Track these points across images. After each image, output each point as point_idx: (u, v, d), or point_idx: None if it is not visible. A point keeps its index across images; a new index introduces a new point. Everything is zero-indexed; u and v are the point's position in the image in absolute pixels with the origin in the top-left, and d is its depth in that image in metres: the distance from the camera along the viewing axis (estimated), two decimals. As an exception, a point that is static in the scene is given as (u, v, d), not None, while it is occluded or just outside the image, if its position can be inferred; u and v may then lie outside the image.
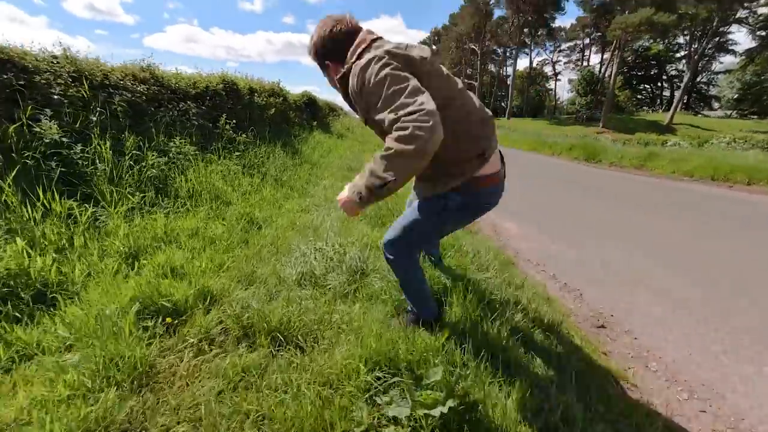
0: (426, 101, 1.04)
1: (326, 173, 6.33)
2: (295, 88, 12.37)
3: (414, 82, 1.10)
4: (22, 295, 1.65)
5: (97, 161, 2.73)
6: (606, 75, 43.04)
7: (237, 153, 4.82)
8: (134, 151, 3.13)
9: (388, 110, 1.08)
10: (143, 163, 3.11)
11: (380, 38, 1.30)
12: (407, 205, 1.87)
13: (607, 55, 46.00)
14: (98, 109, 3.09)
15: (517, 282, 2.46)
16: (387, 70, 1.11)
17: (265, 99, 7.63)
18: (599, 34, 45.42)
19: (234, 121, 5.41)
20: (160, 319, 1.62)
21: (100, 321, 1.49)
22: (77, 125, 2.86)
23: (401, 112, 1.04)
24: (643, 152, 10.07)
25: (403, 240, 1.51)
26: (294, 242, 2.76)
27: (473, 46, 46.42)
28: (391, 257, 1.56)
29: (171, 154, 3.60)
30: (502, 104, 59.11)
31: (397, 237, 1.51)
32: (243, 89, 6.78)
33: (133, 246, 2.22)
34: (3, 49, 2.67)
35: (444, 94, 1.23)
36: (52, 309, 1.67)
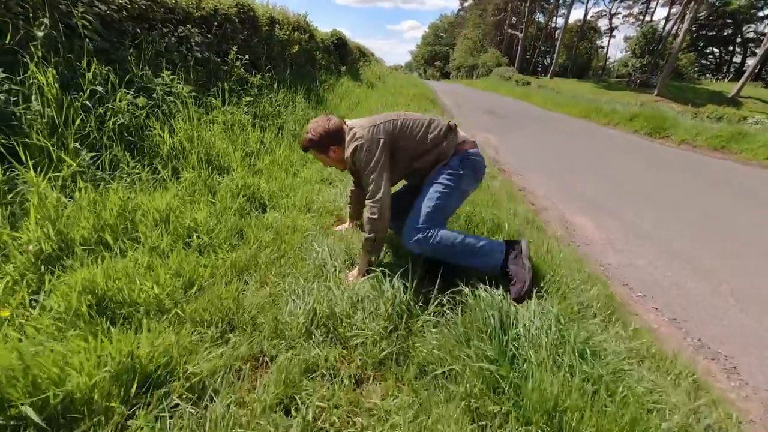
0: (381, 190, 1.59)
1: (354, 130, 5.32)
2: (322, 28, 10.88)
3: (379, 166, 1.61)
4: None
5: (33, 99, 1.87)
6: (671, 33, 37.92)
7: (248, 98, 3.86)
8: (97, 87, 2.24)
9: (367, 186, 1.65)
10: (110, 105, 2.24)
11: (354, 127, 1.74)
12: None
13: (675, 9, 40.25)
14: (45, 20, 2.16)
15: (643, 350, 1.56)
16: (364, 156, 1.62)
17: (288, 33, 6.44)
18: (671, -18, 39.50)
19: (247, 57, 4.37)
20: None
21: None
22: (7, 40, 1.96)
23: (368, 195, 1.63)
24: (727, 130, 8.44)
25: (437, 211, 1.66)
26: (308, 240, 1.92)
27: (523, -10, 41.23)
28: (431, 238, 1.61)
29: (155, 94, 2.70)
30: (545, 61, 53.95)
31: (430, 211, 1.65)
32: (262, 18, 5.62)
33: (56, 242, 1.42)
34: None
35: (409, 145, 1.72)
36: None
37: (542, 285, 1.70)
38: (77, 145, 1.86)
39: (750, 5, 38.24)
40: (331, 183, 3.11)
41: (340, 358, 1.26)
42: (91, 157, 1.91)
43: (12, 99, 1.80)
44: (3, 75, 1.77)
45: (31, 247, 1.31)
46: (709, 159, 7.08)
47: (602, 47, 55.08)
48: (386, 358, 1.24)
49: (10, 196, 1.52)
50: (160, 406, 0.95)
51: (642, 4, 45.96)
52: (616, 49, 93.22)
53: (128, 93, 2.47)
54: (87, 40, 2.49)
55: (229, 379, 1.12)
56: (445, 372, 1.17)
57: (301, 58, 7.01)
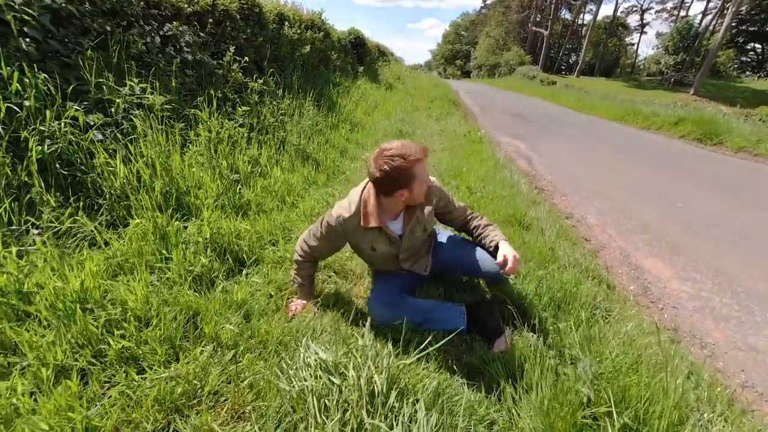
0: None
1: (369, 140, 4.69)
2: (341, 27, 10.30)
3: None
4: None
5: None
6: (708, 29, 35.57)
7: (245, 108, 3.28)
8: (24, 102, 1.67)
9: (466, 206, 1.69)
10: (38, 126, 1.67)
11: None
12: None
13: (713, 3, 37.80)
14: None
15: None
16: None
17: (299, 32, 5.86)
18: (710, -25, 37.14)
19: (246, 59, 3.79)
20: None
21: None
22: None
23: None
24: (796, 138, 7.37)
25: None
26: (292, 331, 1.29)
27: (548, -14, 39.59)
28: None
29: (116, 109, 2.13)
30: (570, 59, 51.81)
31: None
32: (269, 15, 5.06)
33: None
34: None
35: None
36: None
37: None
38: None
39: (798, -3, 35.45)
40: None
41: None
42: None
43: None
44: None
45: None
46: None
47: (632, 44, 52.58)
48: None
49: None
50: None
51: (677, -2, 43.53)
52: (647, 46, 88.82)
53: (76, 108, 1.91)
54: (27, 40, 1.94)
55: None
56: None
57: (314, 59, 6.42)
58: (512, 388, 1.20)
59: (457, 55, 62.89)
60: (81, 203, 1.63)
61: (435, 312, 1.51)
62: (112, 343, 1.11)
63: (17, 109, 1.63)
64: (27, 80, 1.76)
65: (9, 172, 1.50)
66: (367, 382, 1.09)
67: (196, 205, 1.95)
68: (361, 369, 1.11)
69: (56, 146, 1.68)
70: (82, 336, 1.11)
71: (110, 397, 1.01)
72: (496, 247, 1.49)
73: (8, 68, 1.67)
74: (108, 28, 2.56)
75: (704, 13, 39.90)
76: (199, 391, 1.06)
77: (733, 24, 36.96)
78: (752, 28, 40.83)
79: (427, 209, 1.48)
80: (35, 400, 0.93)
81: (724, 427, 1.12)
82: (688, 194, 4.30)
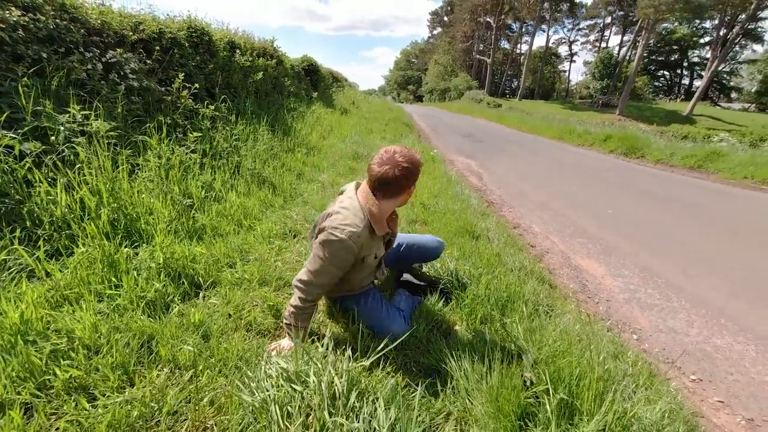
0: None
1: (325, 163, 4.78)
2: (295, 55, 10.47)
3: None
4: None
5: None
6: (625, 58, 40.47)
7: (197, 133, 3.25)
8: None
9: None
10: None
11: None
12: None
13: (627, 37, 43.23)
14: None
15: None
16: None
17: (251, 59, 5.93)
18: (621, 13, 42.56)
19: (196, 86, 3.79)
20: None
21: None
22: None
23: None
24: (701, 150, 8.51)
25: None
26: (253, 347, 1.31)
27: (489, 19, 43.21)
28: None
29: (56, 137, 2.06)
30: (512, 84, 56.23)
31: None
32: (219, 43, 5.09)
33: None
34: None
35: None
36: None
37: (577, 414, 1.15)
38: None
39: (692, 33, 41.67)
40: (295, 236, 2.52)
41: None
42: None
43: None
44: None
45: None
46: (687, 178, 6.97)
47: (564, 71, 58.24)
48: None
49: None
50: None
51: (597, 32, 49.23)
52: (577, 72, 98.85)
53: (11, 136, 1.82)
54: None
55: None
56: None
57: (267, 85, 6.49)
58: (465, 381, 1.30)
59: (409, 80, 65.87)
60: (17, 234, 1.55)
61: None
62: (58, 373, 1.06)
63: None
64: (-45, 108, 1.67)
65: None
66: (328, 385, 1.13)
67: (147, 231, 1.91)
68: (322, 374, 1.15)
69: (-11, 176, 1.60)
70: (23, 368, 1.05)
71: (58, 429, 0.96)
72: None
73: (-66, 96, 1.58)
74: (44, 55, 2.48)
75: (620, 45, 45.41)
76: (156, 412, 1.04)
77: (645, 54, 42.36)
78: (660, 58, 47.09)
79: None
80: (-29, 438, 0.87)
81: (643, 394, 1.29)
82: (617, 202, 4.81)
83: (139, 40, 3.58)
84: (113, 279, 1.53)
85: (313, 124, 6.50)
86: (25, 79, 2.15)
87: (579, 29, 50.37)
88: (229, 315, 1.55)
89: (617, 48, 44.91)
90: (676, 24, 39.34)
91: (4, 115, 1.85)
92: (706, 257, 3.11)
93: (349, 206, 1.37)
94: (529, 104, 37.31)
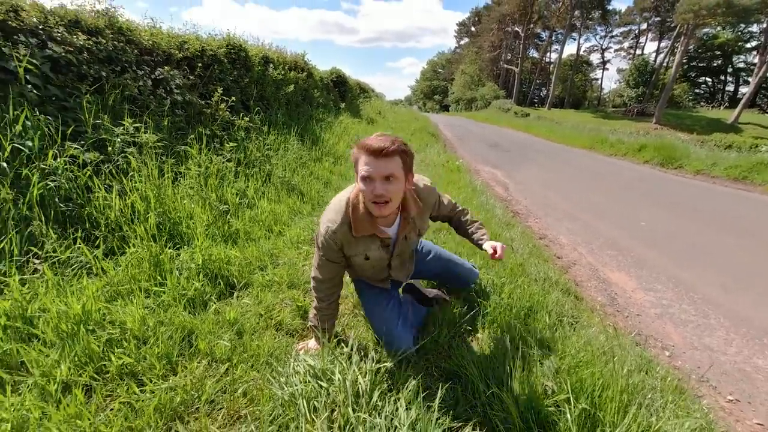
0: None
1: (352, 171, 4.90)
2: (324, 67, 10.88)
3: None
4: None
5: None
6: (662, 65, 38.84)
7: (232, 144, 3.47)
8: (27, 143, 1.80)
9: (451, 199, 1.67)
10: (40, 165, 1.79)
11: None
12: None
13: (664, 43, 41.60)
14: (-33, 66, 1.76)
15: None
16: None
17: (283, 72, 6.22)
18: (658, 18, 41.04)
19: (233, 99, 4.03)
20: None
21: None
22: None
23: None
24: (746, 160, 8.02)
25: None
26: (283, 346, 1.39)
27: (517, 29, 42.88)
28: None
29: (112, 147, 2.27)
30: (541, 93, 55.18)
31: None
32: (254, 58, 5.39)
33: None
34: None
35: None
36: None
37: (599, 425, 1.14)
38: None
39: (737, 38, 39.45)
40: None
41: None
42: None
43: None
44: None
45: None
46: (737, 192, 6.56)
47: (596, 79, 56.56)
48: None
49: None
50: None
51: (632, 39, 47.62)
52: (609, 80, 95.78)
53: (75, 147, 2.04)
54: (29, 86, 2.10)
55: None
56: None
57: (298, 97, 6.77)
58: (485, 386, 1.32)
59: (435, 90, 66.09)
60: (79, 235, 1.73)
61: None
62: (113, 359, 1.19)
63: (22, 149, 1.76)
64: (29, 123, 1.89)
65: (11, 207, 1.60)
66: (353, 384, 1.19)
67: (188, 234, 2.06)
68: (347, 373, 1.22)
69: (56, 183, 1.79)
70: (84, 354, 1.19)
71: (113, 408, 1.08)
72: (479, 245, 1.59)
73: (15, 112, 1.81)
74: (104, 74, 2.75)
75: (657, 52, 43.69)
76: (196, 400, 1.14)
77: (684, 60, 40.49)
78: (701, 64, 44.82)
79: (426, 213, 1.43)
80: (43, 412, 1.00)
81: (671, 410, 1.26)
82: (651, 214, 4.63)
83: (183, 58, 3.87)
84: (158, 277, 1.67)
85: (341, 134, 6.69)
86: (88, 96, 2.39)
87: (612, 36, 48.95)
88: (261, 314, 1.65)
89: (653, 55, 43.26)
90: (718, 29, 37.44)
91: (70, 128, 2.07)
92: (747, 272, 2.95)
93: (335, 200, 1.31)
94: (558, 113, 36.45)
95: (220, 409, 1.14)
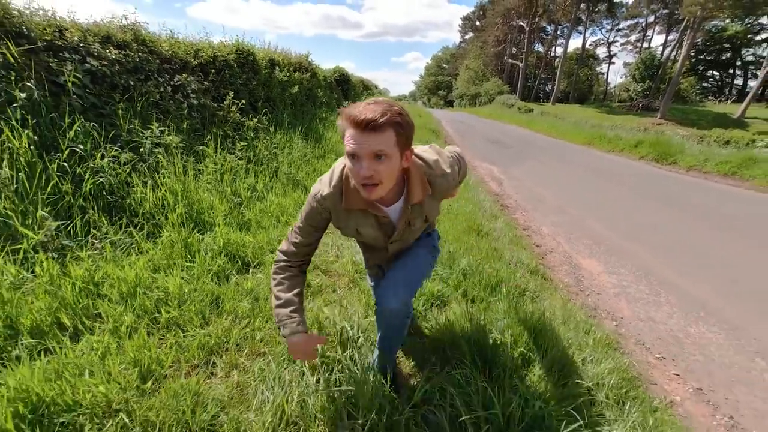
0: None
1: (352, 168, 5.27)
2: (328, 64, 11.23)
3: None
4: None
5: (5, 164, 1.81)
6: (669, 58, 38.51)
7: (243, 143, 3.84)
8: (78, 145, 2.19)
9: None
10: (90, 164, 2.18)
11: None
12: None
13: (672, 36, 41.19)
14: (30, 82, 2.15)
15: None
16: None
17: (288, 74, 6.58)
18: (666, 11, 40.56)
19: (243, 101, 4.40)
20: None
21: None
22: (-13, 106, 1.94)
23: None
24: (735, 156, 8.25)
25: (421, 282, 1.37)
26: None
27: (521, 23, 42.71)
28: (410, 310, 1.31)
29: (143, 148, 2.66)
30: (546, 88, 54.96)
31: (422, 279, 1.36)
32: (261, 61, 5.75)
33: (7, 329, 1.30)
34: None
35: None
36: None
37: (541, 362, 1.50)
38: (44, 212, 1.78)
39: (746, 30, 38.93)
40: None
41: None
42: (61, 224, 1.83)
43: (-18, 165, 1.75)
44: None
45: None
46: (726, 188, 6.82)
47: (602, 73, 56.10)
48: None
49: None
50: None
51: (639, 32, 47.12)
52: (615, 74, 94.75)
53: (114, 149, 2.43)
54: (75, 96, 2.48)
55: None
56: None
57: (302, 97, 7.12)
58: (450, 339, 1.68)
59: (439, 85, 66.00)
60: (123, 221, 2.11)
61: None
62: (162, 313, 1.57)
63: (77, 151, 2.14)
64: (80, 129, 2.27)
65: (72, 198, 1.98)
66: (342, 330, 1.57)
67: (209, 221, 2.45)
68: (337, 325, 1.59)
69: (103, 179, 2.18)
70: (141, 309, 1.57)
71: (166, 345, 1.46)
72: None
73: (68, 120, 2.20)
74: (131, 83, 3.13)
75: (665, 45, 43.25)
76: (225, 342, 1.52)
77: (692, 54, 40.06)
78: (709, 57, 44.27)
79: (437, 198, 1.21)
80: (118, 344, 1.38)
81: (598, 355, 1.62)
82: (637, 207, 4.95)
83: (198, 65, 4.25)
84: (188, 256, 2.06)
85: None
86: (120, 103, 2.78)
87: (618, 30, 48.47)
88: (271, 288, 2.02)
89: (661, 48, 42.86)
90: (727, 21, 36.99)
91: (111, 133, 2.45)
92: (706, 258, 3.27)
93: (332, 168, 1.17)
94: (562, 108, 36.38)
95: (245, 349, 1.52)
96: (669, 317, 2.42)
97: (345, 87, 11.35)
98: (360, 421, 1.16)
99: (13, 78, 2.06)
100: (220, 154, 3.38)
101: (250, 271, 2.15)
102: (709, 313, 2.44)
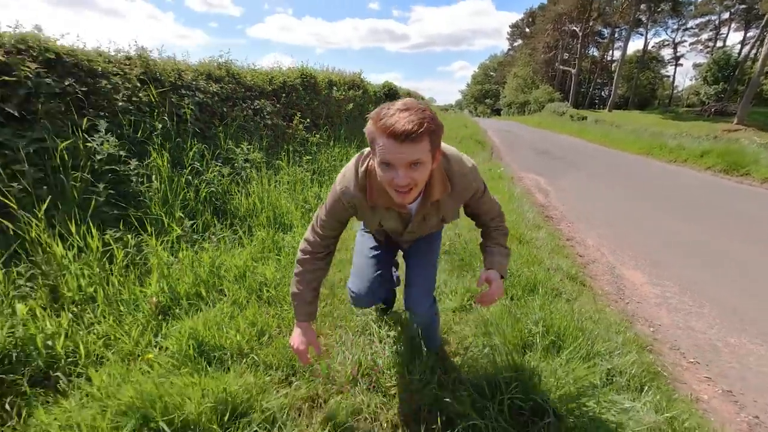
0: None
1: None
2: (377, 76, 11.90)
3: None
4: (17, 377, 1.32)
5: (154, 178, 2.45)
6: (748, 58, 34.87)
7: (308, 157, 4.42)
8: (195, 163, 2.83)
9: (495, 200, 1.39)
10: (204, 177, 2.80)
11: None
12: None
13: (751, 33, 37.29)
14: (164, 115, 2.83)
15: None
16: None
17: (344, 92, 7.22)
18: (743, 6, 36.91)
19: (307, 120, 5.03)
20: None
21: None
22: (139, 134, 2.62)
23: (498, 218, 1.41)
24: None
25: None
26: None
27: (574, 27, 41.15)
28: (434, 306, 1.55)
29: (237, 164, 3.28)
30: (602, 93, 52.07)
31: (434, 287, 1.54)
32: (321, 83, 6.42)
33: (168, 295, 1.85)
34: (72, 51, 2.50)
35: None
36: (49, 398, 1.32)
37: (561, 349, 1.77)
38: (181, 213, 2.39)
39: None
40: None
41: (380, 405, 1.46)
42: (191, 224, 2.43)
43: (139, 180, 2.39)
44: (137, 162, 2.38)
45: (154, 299, 1.75)
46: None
47: (667, 76, 52.02)
48: (420, 409, 1.43)
49: (138, 258, 2.02)
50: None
51: (711, 30, 43.25)
52: (683, 77, 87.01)
53: (217, 164, 3.05)
54: (190, 124, 3.16)
55: (292, 416, 1.38)
56: (468, 427, 1.32)
57: (355, 113, 7.74)
58: (490, 328, 2.00)
59: (486, 94, 65.11)
60: (227, 222, 2.70)
61: None
62: (264, 292, 2.07)
63: (195, 167, 2.78)
64: (196, 149, 2.92)
65: (193, 204, 2.60)
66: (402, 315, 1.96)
67: (288, 224, 2.98)
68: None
69: (212, 188, 2.79)
70: (248, 288, 2.08)
71: (269, 315, 1.95)
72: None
73: (189, 143, 2.85)
74: (225, 110, 3.83)
75: (743, 43, 39.26)
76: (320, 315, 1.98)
77: (775, 52, 35.91)
78: (798, 55, 39.33)
79: (455, 200, 1.21)
80: (239, 312, 1.89)
81: (620, 350, 1.85)
82: (695, 220, 4.83)
83: (271, 90, 4.95)
84: (275, 250, 2.57)
85: (392, 145, 7.52)
86: (219, 127, 3.44)
87: (686, 29, 44.82)
88: (341, 279, 2.47)
89: (738, 47, 38.96)
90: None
91: (214, 152, 3.09)
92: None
93: (353, 160, 1.18)
94: (620, 115, 34.29)
95: (326, 322, 1.96)
96: (709, 327, 2.52)
97: (393, 100, 11.89)
98: (417, 377, 1.53)
99: (154, 113, 2.75)
100: (291, 167, 3.97)
101: (323, 265, 2.62)
102: (754, 327, 2.50)
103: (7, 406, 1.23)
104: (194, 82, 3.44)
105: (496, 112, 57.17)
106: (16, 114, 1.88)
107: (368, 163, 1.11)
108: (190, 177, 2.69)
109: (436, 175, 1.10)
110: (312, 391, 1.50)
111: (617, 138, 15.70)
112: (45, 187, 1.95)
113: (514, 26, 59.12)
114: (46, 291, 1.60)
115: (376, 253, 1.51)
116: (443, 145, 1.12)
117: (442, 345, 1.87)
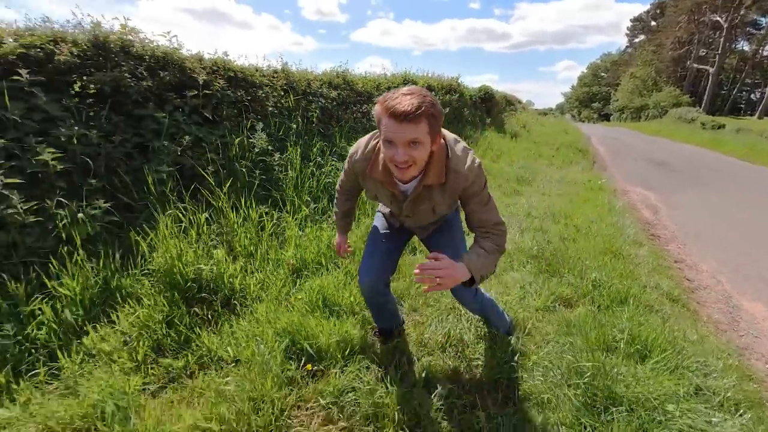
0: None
1: (493, 184, 5.77)
2: (472, 78, 11.91)
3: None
4: (214, 300, 1.94)
5: (289, 168, 3.08)
6: None
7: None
8: (318, 158, 3.42)
9: (495, 213, 1.34)
10: (323, 169, 3.37)
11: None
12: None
13: None
14: (298, 117, 3.48)
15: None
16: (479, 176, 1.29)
17: (441, 97, 7.50)
18: None
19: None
20: (302, 362, 1.63)
21: (254, 354, 1.58)
22: (280, 133, 3.29)
23: (495, 223, 1.34)
24: None
25: None
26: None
27: (717, 18, 34.63)
28: (478, 290, 1.68)
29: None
30: (751, 96, 42.90)
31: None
32: (421, 88, 6.80)
33: (300, 260, 2.39)
34: (242, 69, 3.27)
35: None
36: (232, 317, 1.90)
37: (647, 359, 1.79)
38: (308, 197, 2.97)
39: None
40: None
41: (464, 370, 1.74)
42: (313, 206, 3.00)
43: (280, 169, 3.05)
44: (279, 156, 3.04)
45: (292, 261, 2.30)
46: None
47: None
48: (499, 381, 1.67)
49: (278, 228, 2.63)
50: (359, 365, 1.66)
51: None
52: None
53: (333, 159, 3.62)
54: (314, 125, 3.79)
55: (395, 363, 1.75)
56: (540, 401, 1.52)
57: (451, 116, 7.96)
58: (576, 329, 2.11)
59: (593, 97, 58.79)
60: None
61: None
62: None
63: (319, 161, 3.38)
64: (318, 147, 3.52)
65: (315, 192, 3.19)
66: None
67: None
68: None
69: (329, 179, 3.35)
70: (358, 263, 2.54)
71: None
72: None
73: (314, 141, 3.46)
74: (340, 113, 4.43)
75: None
76: (407, 293, 2.33)
77: None
78: None
79: (447, 194, 1.27)
80: (350, 279, 2.35)
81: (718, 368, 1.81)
82: None
83: (378, 95, 5.49)
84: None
85: (485, 149, 7.56)
86: (335, 128, 4.03)
87: None
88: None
89: None
90: None
91: (333, 149, 3.67)
92: None
93: (370, 134, 1.38)
94: (774, 124, 27.80)
95: (420, 300, 2.30)
96: None
97: (488, 104, 11.76)
98: (498, 353, 1.77)
99: (291, 115, 3.41)
100: (391, 166, 4.42)
101: (417, 254, 2.96)
102: None
103: (209, 317, 1.84)
104: (319, 90, 4.09)
105: (605, 117, 51.21)
106: (210, 117, 2.64)
107: (378, 140, 1.27)
108: (314, 169, 3.28)
109: (436, 161, 1.21)
110: (407, 350, 1.84)
111: (765, 150, 12.97)
112: (225, 171, 2.68)
113: (637, 20, 52.03)
114: (226, 246, 2.25)
115: (385, 231, 1.69)
116: (457, 143, 1.27)
117: (522, 335, 2.05)
